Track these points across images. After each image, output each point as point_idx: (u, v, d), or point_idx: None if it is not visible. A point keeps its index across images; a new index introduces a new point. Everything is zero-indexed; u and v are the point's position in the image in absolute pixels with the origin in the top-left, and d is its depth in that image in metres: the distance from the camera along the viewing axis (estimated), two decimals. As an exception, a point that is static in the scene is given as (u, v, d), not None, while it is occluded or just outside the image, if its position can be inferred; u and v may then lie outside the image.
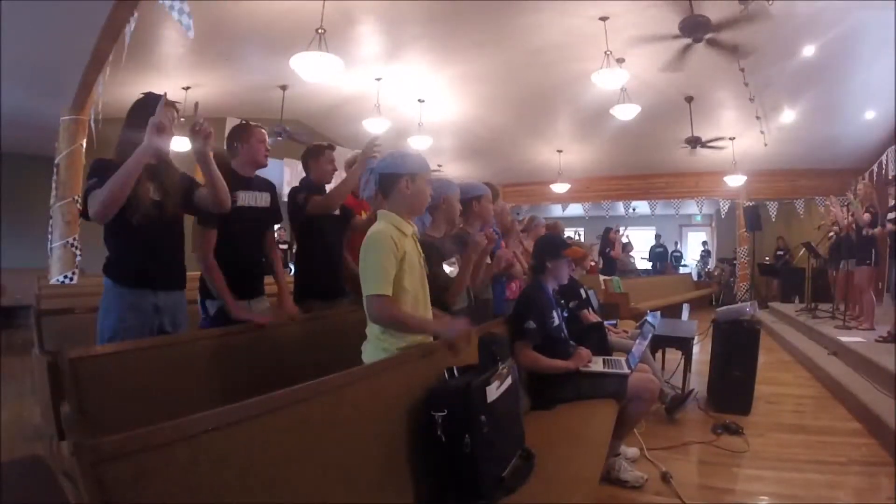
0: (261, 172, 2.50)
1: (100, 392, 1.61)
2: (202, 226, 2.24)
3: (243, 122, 2.49)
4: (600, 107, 7.36)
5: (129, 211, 1.82)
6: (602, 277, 7.36)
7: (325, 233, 2.73)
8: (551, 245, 2.71)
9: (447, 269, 2.13)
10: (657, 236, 12.23)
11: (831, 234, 6.83)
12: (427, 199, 1.85)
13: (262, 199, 2.46)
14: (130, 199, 1.81)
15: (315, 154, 2.85)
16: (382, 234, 1.66)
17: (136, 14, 3.72)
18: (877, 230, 4.92)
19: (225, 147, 2.48)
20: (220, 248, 2.28)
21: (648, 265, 12.22)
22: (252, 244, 2.43)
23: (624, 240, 9.16)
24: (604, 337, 3.08)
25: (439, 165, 10.71)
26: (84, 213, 1.85)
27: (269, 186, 2.52)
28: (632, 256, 10.52)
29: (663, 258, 12.15)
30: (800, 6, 5.27)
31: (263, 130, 2.46)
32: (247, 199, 2.38)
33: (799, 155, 9.24)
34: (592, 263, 4.68)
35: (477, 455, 1.42)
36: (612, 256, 8.13)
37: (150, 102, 1.93)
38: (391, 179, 1.76)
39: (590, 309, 3.92)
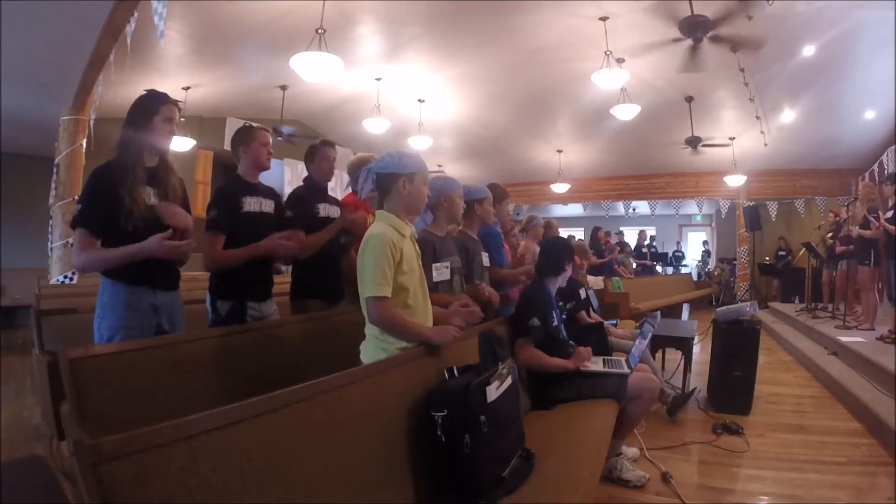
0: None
1: (100, 392, 1.61)
2: (211, 231, 2.23)
3: (246, 124, 2.49)
4: (600, 107, 7.36)
5: (123, 218, 1.80)
6: (590, 278, 7.25)
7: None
8: (565, 251, 2.78)
9: (434, 273, 2.13)
10: (651, 237, 12.24)
11: (830, 234, 6.84)
12: (425, 198, 1.86)
13: (266, 206, 2.46)
14: (126, 206, 1.80)
15: (311, 153, 2.87)
16: (381, 235, 1.66)
17: (136, 14, 3.72)
18: (868, 232, 4.93)
19: (229, 149, 2.49)
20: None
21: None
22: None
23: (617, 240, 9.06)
24: (604, 337, 3.09)
25: (439, 165, 10.72)
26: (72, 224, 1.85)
27: (274, 195, 2.54)
28: (631, 256, 10.50)
29: (663, 258, 12.15)
30: (800, 6, 5.27)
31: (266, 132, 2.46)
32: (252, 204, 2.38)
33: (799, 155, 9.24)
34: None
35: (477, 455, 1.42)
36: (594, 263, 7.64)
37: (151, 100, 1.93)
38: (389, 179, 1.76)
39: (590, 309, 3.92)
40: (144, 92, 1.98)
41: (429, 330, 1.75)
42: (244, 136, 2.40)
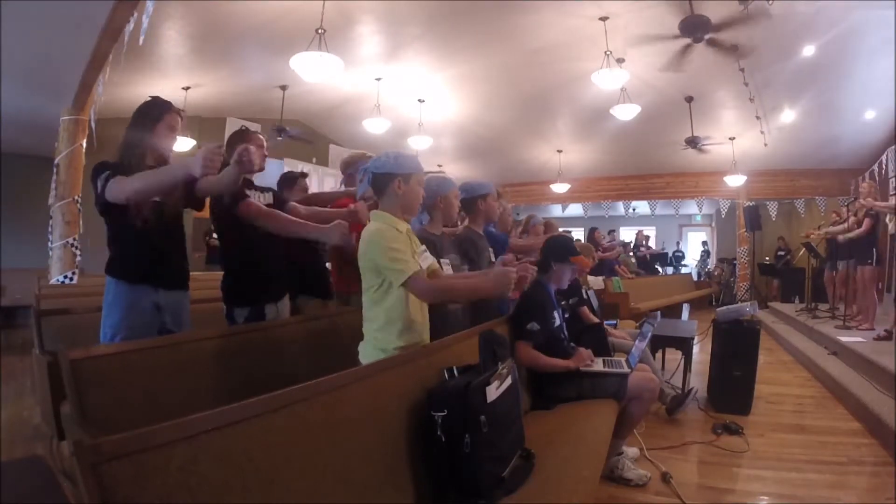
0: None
1: (100, 392, 1.61)
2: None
3: (243, 127, 2.52)
4: (600, 107, 7.37)
5: (131, 215, 1.83)
6: (590, 278, 7.23)
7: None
8: (561, 248, 2.70)
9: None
10: (663, 243, 12.30)
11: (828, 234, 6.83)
12: (419, 199, 1.86)
13: (265, 198, 2.48)
14: (134, 203, 1.82)
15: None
16: (379, 229, 1.68)
17: (135, 14, 3.72)
18: (860, 230, 4.95)
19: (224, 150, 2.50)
20: (237, 252, 2.31)
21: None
22: (268, 244, 2.37)
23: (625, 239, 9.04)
24: (604, 337, 3.09)
25: (439, 165, 10.71)
26: (97, 200, 1.85)
27: (267, 188, 2.57)
28: (632, 255, 10.47)
29: (664, 259, 12.16)
30: (800, 6, 5.27)
31: (261, 136, 2.48)
32: (255, 197, 2.40)
33: (799, 155, 9.24)
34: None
35: (477, 455, 1.42)
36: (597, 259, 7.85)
37: (155, 107, 1.96)
38: (384, 179, 1.77)
39: (590, 309, 3.92)
40: (149, 98, 2.00)
41: (486, 281, 1.77)
42: (240, 139, 2.39)
